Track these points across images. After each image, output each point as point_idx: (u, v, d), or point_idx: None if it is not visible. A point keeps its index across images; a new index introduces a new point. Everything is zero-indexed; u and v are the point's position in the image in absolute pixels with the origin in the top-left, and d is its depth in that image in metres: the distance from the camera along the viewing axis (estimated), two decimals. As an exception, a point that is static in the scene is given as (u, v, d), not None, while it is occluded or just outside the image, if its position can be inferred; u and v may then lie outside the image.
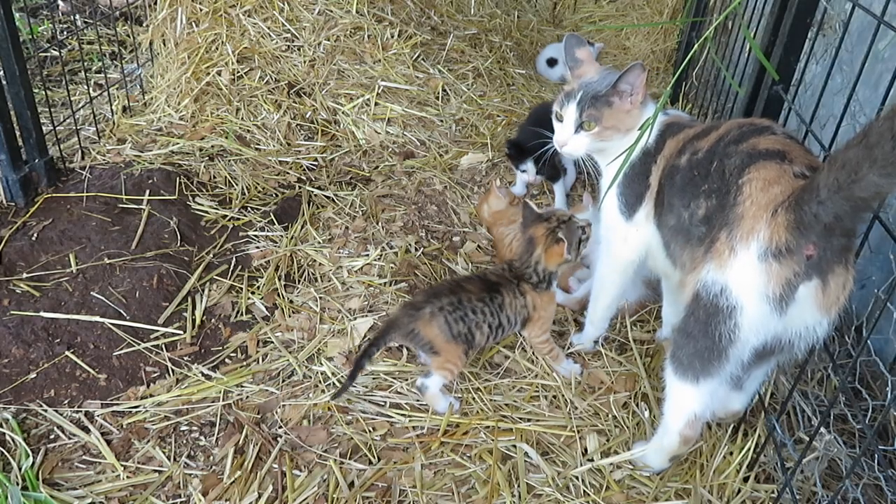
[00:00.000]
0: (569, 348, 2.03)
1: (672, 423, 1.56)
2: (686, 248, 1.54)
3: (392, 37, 3.20)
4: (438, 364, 1.78)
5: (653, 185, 1.68)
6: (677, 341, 1.48)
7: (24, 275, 2.05)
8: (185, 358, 1.93)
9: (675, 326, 1.53)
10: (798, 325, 1.36)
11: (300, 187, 2.64)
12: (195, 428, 1.75)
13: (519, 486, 1.61)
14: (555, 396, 1.87)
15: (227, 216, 2.43)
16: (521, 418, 1.79)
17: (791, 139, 1.44)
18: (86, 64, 3.38)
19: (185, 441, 1.72)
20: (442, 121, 3.03)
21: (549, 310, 1.89)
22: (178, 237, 2.26)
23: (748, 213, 1.31)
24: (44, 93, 2.75)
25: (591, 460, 1.68)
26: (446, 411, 1.78)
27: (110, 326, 1.93)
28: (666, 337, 2.01)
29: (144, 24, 3.24)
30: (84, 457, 1.66)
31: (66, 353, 1.86)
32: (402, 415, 1.78)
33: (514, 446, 1.70)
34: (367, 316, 2.03)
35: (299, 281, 2.23)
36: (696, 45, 1.71)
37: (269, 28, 3.04)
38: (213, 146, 2.73)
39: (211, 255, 2.26)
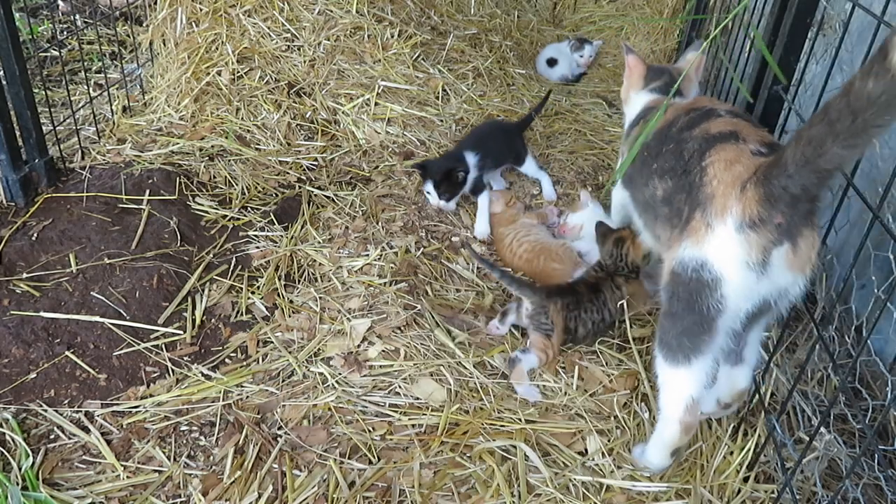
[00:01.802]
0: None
1: (670, 413, 1.57)
2: (656, 224, 1.66)
3: (392, 37, 3.19)
4: (541, 345, 1.93)
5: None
6: (663, 326, 1.54)
7: (24, 275, 2.05)
8: (185, 358, 1.93)
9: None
10: (778, 286, 1.43)
11: (300, 187, 2.64)
12: (195, 428, 1.75)
13: (519, 486, 1.61)
14: (555, 396, 1.87)
15: (227, 216, 2.43)
16: (521, 419, 1.79)
17: (737, 117, 1.57)
18: (86, 64, 3.38)
19: (185, 441, 1.72)
20: (442, 121, 3.03)
21: (641, 291, 2.12)
22: (178, 237, 2.26)
23: (718, 192, 1.40)
24: (44, 93, 2.75)
25: (593, 461, 1.68)
26: (530, 399, 1.84)
27: (110, 326, 1.93)
28: None
29: (144, 24, 3.24)
30: (84, 457, 1.66)
31: (66, 353, 1.86)
32: (401, 412, 1.78)
33: (514, 447, 1.70)
34: (367, 316, 2.03)
35: (299, 281, 2.23)
36: (704, 45, 1.72)
37: (269, 28, 3.04)
38: (213, 146, 2.73)
39: (211, 255, 2.26)
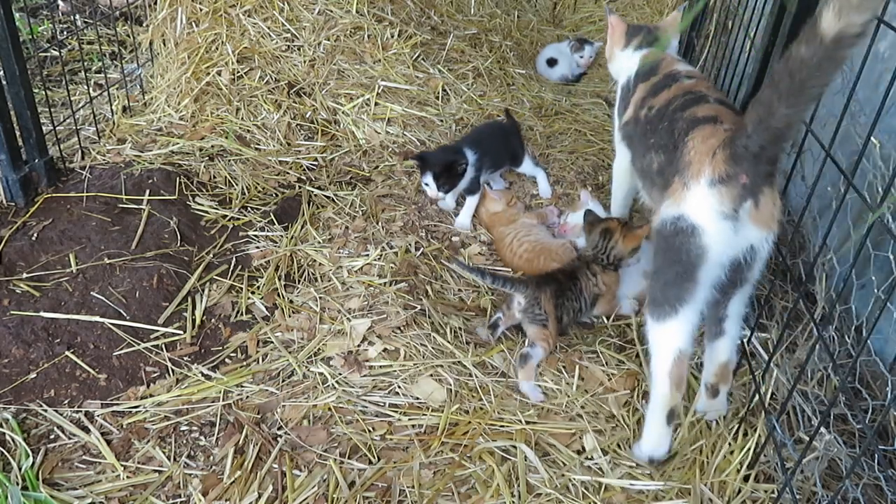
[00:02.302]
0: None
1: (660, 368, 1.64)
2: (652, 190, 1.81)
3: (392, 37, 3.19)
4: (541, 336, 1.95)
5: (628, 114, 2.05)
6: (651, 286, 1.67)
7: (24, 275, 2.05)
8: (185, 358, 1.93)
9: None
10: (748, 240, 1.57)
11: (300, 187, 2.64)
12: (195, 428, 1.75)
13: (519, 486, 1.61)
14: (555, 396, 1.87)
15: (227, 216, 2.43)
16: (521, 420, 1.79)
17: (722, 104, 1.73)
18: (86, 64, 3.38)
19: (185, 441, 1.72)
20: (442, 121, 3.03)
21: (615, 286, 2.15)
22: (178, 237, 2.26)
23: (694, 160, 1.58)
24: (44, 93, 2.75)
25: (591, 458, 1.68)
26: (534, 398, 1.84)
27: (110, 326, 1.93)
28: None
29: (144, 24, 3.24)
30: (84, 457, 1.66)
31: (66, 353, 1.86)
32: (401, 412, 1.78)
33: (514, 447, 1.70)
34: (367, 316, 2.03)
35: (299, 281, 2.23)
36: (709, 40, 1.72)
37: (269, 28, 3.04)
38: (213, 146, 2.73)
39: (211, 255, 2.26)
